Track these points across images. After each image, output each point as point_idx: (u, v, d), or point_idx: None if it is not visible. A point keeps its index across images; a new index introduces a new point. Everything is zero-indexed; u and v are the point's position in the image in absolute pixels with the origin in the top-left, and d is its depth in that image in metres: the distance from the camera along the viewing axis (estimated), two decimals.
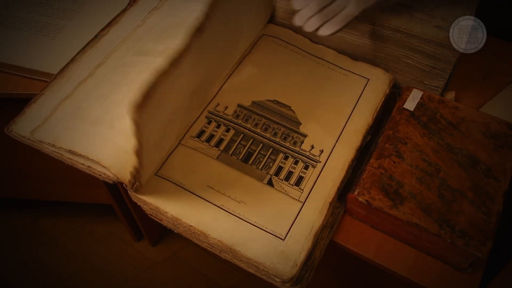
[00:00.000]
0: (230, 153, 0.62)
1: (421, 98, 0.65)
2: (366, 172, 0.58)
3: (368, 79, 0.71)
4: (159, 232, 1.25)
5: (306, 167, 0.61)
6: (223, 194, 0.58)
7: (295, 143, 0.63)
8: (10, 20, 0.82)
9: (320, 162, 0.62)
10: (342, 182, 0.61)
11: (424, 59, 0.67)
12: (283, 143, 0.63)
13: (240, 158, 0.61)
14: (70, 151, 0.58)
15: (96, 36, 0.75)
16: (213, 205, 0.57)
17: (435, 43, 0.64)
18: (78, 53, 0.72)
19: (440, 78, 0.68)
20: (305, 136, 0.64)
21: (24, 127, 0.62)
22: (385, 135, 0.62)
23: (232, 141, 0.63)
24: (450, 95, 0.71)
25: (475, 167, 0.58)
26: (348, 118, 0.66)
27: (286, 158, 0.62)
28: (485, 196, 0.56)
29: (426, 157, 0.59)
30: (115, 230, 1.28)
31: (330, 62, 0.73)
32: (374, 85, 0.70)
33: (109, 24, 0.77)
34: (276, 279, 0.52)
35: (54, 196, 1.16)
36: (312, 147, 0.63)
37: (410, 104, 0.65)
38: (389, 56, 0.70)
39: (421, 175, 0.57)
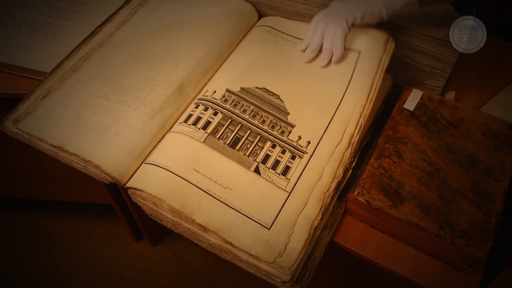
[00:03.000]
0: (218, 137, 0.60)
1: (421, 98, 0.65)
2: (366, 172, 0.58)
3: (355, 67, 0.69)
4: (159, 232, 1.25)
5: (293, 157, 0.60)
6: (209, 179, 0.57)
7: (282, 132, 0.62)
8: (10, 20, 0.82)
9: (307, 153, 0.61)
10: (336, 174, 0.60)
11: (424, 59, 0.67)
12: (271, 131, 0.62)
13: (227, 142, 0.60)
14: (61, 148, 0.58)
15: (91, 33, 0.75)
16: (199, 189, 0.56)
17: (435, 42, 0.64)
18: (72, 51, 0.72)
19: (440, 78, 0.68)
20: (293, 126, 0.63)
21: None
22: (385, 135, 0.62)
23: (219, 125, 0.62)
24: (450, 95, 0.71)
25: (475, 167, 0.58)
26: (337, 107, 0.65)
27: (273, 146, 0.61)
28: (485, 196, 0.56)
29: (426, 157, 0.59)
30: (115, 230, 1.28)
31: None
32: (362, 74, 0.68)
33: (104, 23, 0.77)
34: (276, 279, 0.52)
35: (54, 196, 1.16)
36: (300, 137, 0.62)
37: (410, 104, 0.65)
38: None
39: (421, 175, 0.57)
